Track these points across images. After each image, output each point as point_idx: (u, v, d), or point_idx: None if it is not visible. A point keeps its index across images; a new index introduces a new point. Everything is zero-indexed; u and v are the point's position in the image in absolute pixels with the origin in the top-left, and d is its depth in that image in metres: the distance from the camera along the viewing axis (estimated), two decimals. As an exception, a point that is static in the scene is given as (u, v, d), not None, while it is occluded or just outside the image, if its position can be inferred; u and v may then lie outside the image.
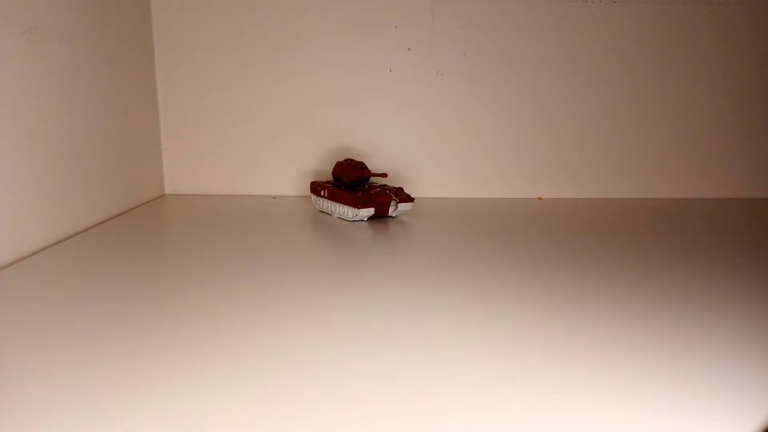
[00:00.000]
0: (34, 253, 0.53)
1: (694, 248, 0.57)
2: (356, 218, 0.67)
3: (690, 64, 0.81)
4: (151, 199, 0.78)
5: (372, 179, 0.79)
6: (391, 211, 0.68)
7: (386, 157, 0.82)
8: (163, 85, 0.80)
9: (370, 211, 0.66)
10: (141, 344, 0.35)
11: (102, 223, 0.65)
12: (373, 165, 0.82)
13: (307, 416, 0.28)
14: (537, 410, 0.28)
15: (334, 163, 0.82)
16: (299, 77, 0.80)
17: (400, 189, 0.69)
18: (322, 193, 0.71)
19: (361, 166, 0.69)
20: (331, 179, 0.76)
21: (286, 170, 0.82)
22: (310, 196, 0.81)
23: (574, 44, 0.80)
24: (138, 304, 0.41)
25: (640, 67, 0.81)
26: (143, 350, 0.34)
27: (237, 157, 0.82)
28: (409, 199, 0.68)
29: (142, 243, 0.58)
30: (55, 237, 0.57)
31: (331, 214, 0.71)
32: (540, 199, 0.82)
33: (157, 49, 0.79)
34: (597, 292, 0.44)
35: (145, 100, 0.77)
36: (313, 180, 0.78)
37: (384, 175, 0.69)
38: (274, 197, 0.81)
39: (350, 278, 0.47)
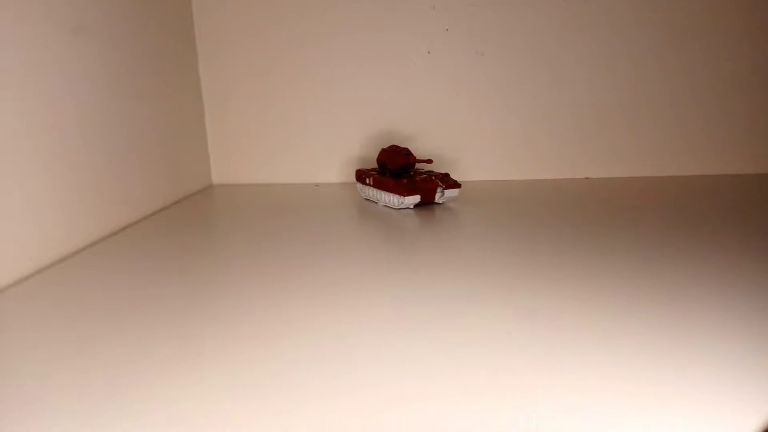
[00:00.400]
0: (84, 248, 0.55)
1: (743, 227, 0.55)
2: (402, 206, 0.66)
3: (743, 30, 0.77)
4: (198, 189, 0.80)
5: (417, 165, 0.79)
6: (437, 198, 0.67)
7: (427, 141, 0.81)
8: (206, 75, 0.81)
9: (415, 198, 0.66)
10: (183, 331, 0.36)
11: (153, 215, 0.67)
12: (415, 149, 0.81)
13: (345, 398, 0.28)
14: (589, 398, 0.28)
15: (378, 150, 0.82)
16: (339, 62, 0.80)
17: (446, 175, 0.68)
18: (367, 181, 0.71)
19: (405, 153, 0.68)
20: (376, 166, 0.75)
21: (330, 157, 0.83)
22: (354, 184, 0.82)
23: (622, 19, 0.77)
24: (188, 295, 0.43)
25: (696, 41, 0.77)
26: (186, 336, 0.35)
27: (281, 145, 0.83)
28: (455, 185, 0.68)
29: (192, 233, 0.60)
30: (106, 231, 0.59)
31: (377, 202, 0.71)
32: (587, 179, 0.80)
33: (199, 38, 0.80)
34: (651, 277, 0.44)
35: (189, 91, 0.79)
36: (358, 168, 0.78)
37: (429, 161, 0.69)
38: (317, 185, 0.82)
39: (395, 265, 0.48)
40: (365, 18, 0.79)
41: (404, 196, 0.65)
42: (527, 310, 0.39)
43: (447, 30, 0.79)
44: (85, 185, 0.55)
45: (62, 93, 0.52)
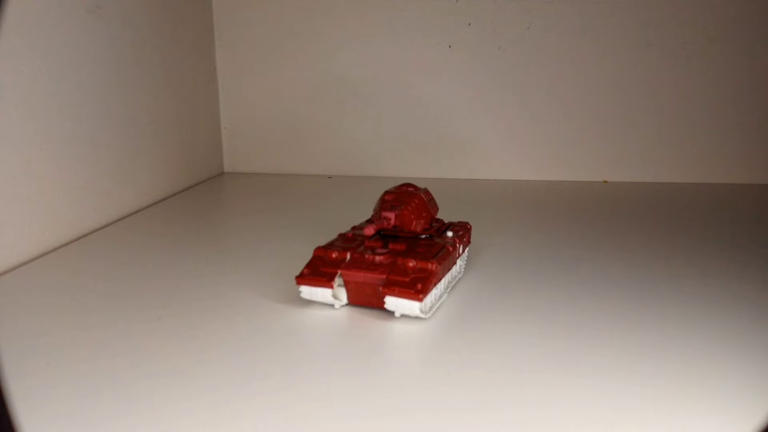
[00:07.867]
0: (91, 233, 0.55)
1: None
2: (309, 298, 0.39)
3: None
4: (210, 177, 0.79)
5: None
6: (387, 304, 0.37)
7: (441, 137, 0.79)
8: (223, 63, 0.81)
9: (315, 292, 0.38)
10: (185, 318, 0.35)
11: (163, 200, 0.66)
12: (431, 146, 0.79)
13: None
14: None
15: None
16: (356, 53, 0.79)
17: (428, 272, 0.36)
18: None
19: (389, 206, 0.40)
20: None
21: (344, 150, 0.81)
22: (367, 178, 0.80)
23: (646, 17, 0.74)
24: (186, 287, 0.42)
25: (719, 41, 0.74)
26: (187, 325, 0.35)
27: (295, 135, 0.82)
28: (410, 293, 0.35)
29: (198, 221, 0.59)
30: (114, 216, 0.58)
31: None
32: (605, 182, 0.78)
33: (217, 27, 0.79)
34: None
35: (205, 78, 0.78)
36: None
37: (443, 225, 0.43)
38: (330, 177, 0.80)
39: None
40: (387, 10, 0.77)
41: (297, 284, 0.38)
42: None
43: (470, 24, 0.77)
44: (94, 169, 0.55)
45: (74, 75, 0.52)
